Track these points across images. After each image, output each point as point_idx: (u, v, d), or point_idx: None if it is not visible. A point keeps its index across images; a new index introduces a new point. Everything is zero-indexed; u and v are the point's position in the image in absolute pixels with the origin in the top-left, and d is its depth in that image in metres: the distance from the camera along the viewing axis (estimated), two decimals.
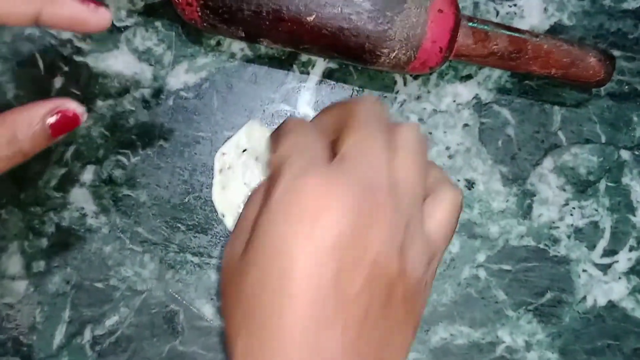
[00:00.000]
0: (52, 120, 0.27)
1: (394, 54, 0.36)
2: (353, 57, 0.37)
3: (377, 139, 0.26)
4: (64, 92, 0.40)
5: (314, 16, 0.35)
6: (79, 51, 0.40)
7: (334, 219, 0.23)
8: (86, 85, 0.40)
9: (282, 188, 0.24)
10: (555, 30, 0.43)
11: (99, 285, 0.40)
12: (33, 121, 0.27)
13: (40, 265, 0.40)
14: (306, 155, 0.25)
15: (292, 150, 0.26)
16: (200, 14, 0.35)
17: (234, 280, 0.25)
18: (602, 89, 0.43)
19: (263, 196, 0.26)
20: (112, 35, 0.40)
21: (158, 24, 0.41)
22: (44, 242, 0.40)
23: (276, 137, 0.28)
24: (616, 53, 0.43)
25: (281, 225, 0.23)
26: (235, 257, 0.26)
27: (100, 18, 0.28)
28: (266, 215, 0.24)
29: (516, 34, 0.38)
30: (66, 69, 0.40)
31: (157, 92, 0.40)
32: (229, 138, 0.40)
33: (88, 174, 0.40)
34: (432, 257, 0.27)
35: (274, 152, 0.27)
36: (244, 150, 0.40)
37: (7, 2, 0.26)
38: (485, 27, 0.38)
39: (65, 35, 0.40)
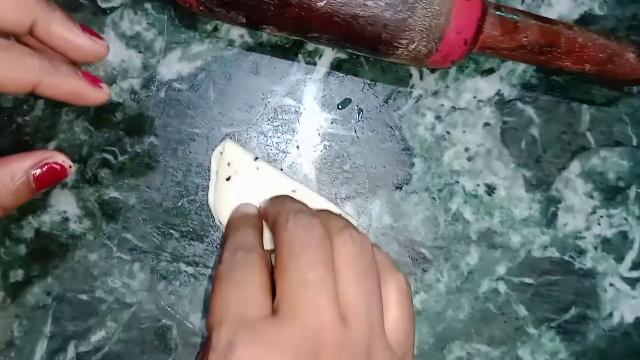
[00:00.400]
0: (37, 172, 0.27)
1: (413, 46, 0.33)
2: (367, 48, 0.34)
3: (314, 275, 0.26)
4: None
5: (324, 1, 0.31)
6: None
7: None
8: None
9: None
10: (584, 20, 0.39)
11: (84, 297, 0.37)
12: (16, 175, 0.26)
13: (18, 274, 0.37)
14: (238, 316, 0.25)
15: (224, 312, 0.26)
16: None
17: None
18: (634, 87, 0.39)
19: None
20: (96, 17, 0.37)
21: (148, 6, 0.37)
22: (22, 249, 0.37)
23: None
24: None
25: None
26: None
27: (99, 94, 0.29)
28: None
29: (548, 25, 0.35)
30: None
31: (147, 83, 0.37)
32: (227, 135, 0.37)
33: (71, 174, 0.36)
34: (404, 357, 0.27)
35: (210, 314, 0.27)
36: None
37: (9, 72, 0.26)
38: (515, 16, 0.34)
39: None
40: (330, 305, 0.25)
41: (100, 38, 0.29)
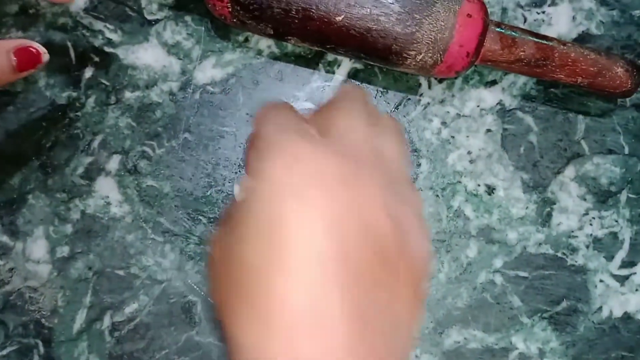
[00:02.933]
0: (17, 55, 0.31)
1: (420, 57, 0.36)
2: (379, 58, 0.37)
3: (362, 116, 0.27)
4: (93, 82, 0.41)
5: (342, 16, 0.35)
6: (109, 42, 0.41)
7: (324, 188, 0.23)
8: (115, 76, 0.41)
9: (271, 161, 0.23)
10: (582, 39, 0.43)
11: (120, 272, 0.40)
12: (5, 53, 0.30)
13: (64, 250, 0.40)
14: (292, 129, 0.25)
15: (277, 129, 0.25)
16: (230, 9, 0.36)
17: (227, 256, 0.24)
18: (627, 99, 0.42)
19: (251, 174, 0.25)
20: (142, 28, 0.41)
21: (188, 18, 0.41)
22: (69, 228, 0.40)
23: (261, 118, 0.27)
24: None
25: (274, 199, 0.23)
26: (226, 235, 0.25)
27: None
28: (256, 190, 0.24)
29: (543, 41, 0.38)
30: (97, 59, 0.41)
31: (184, 86, 0.41)
32: None
33: (114, 164, 0.41)
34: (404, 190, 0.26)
35: (257, 133, 0.26)
36: None
37: None
38: (513, 33, 0.38)
39: (97, 25, 0.41)
40: (371, 141, 0.26)
41: None
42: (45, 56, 0.32)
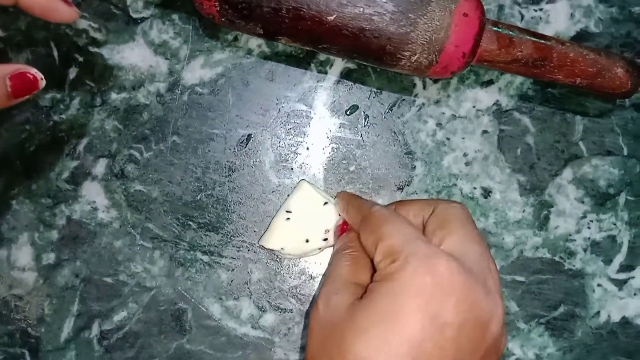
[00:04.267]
0: (12, 82, 0.30)
1: (415, 57, 0.35)
2: (373, 59, 0.36)
3: (480, 241, 0.31)
4: (78, 83, 0.40)
5: (334, 16, 0.34)
6: (94, 42, 0.40)
7: (455, 301, 0.27)
8: (101, 76, 0.40)
9: (411, 268, 0.27)
10: (581, 37, 0.42)
11: (108, 280, 0.40)
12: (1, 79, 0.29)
13: (50, 257, 0.40)
14: (423, 244, 0.29)
15: (407, 240, 0.29)
16: (218, 8, 0.35)
17: (337, 330, 0.28)
18: (626, 100, 0.42)
19: (378, 267, 0.30)
20: (128, 26, 0.40)
21: (175, 17, 0.40)
22: (55, 234, 0.40)
23: (371, 222, 0.32)
24: None
25: (404, 299, 0.27)
26: (337, 308, 0.29)
27: (70, 11, 0.31)
28: (389, 284, 0.28)
29: (542, 41, 0.37)
30: (81, 59, 0.40)
31: (172, 87, 0.40)
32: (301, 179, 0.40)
33: (100, 168, 0.40)
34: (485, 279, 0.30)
35: (381, 239, 0.30)
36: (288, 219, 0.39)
37: None
38: (510, 32, 0.37)
39: (81, 24, 0.39)
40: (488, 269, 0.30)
41: (71, 5, 0.32)
42: (42, 82, 0.31)
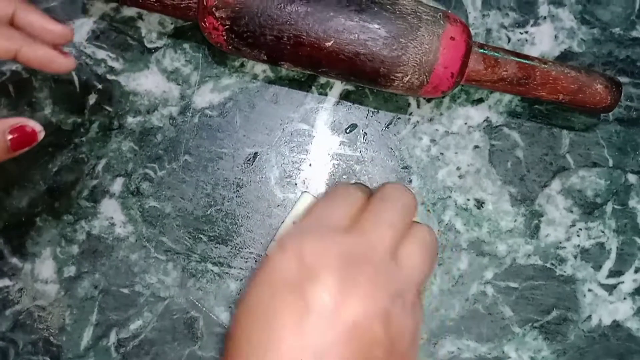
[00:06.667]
0: (12, 136, 0.31)
1: (407, 78, 0.38)
2: (368, 80, 0.39)
3: (394, 217, 0.28)
4: (97, 108, 0.43)
5: (332, 42, 0.37)
6: (112, 70, 0.43)
7: (320, 281, 0.25)
8: (118, 102, 0.43)
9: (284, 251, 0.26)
10: (565, 57, 0.44)
11: (125, 290, 0.42)
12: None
13: (71, 270, 0.42)
14: (324, 222, 0.27)
15: (315, 219, 0.28)
16: (225, 37, 0.38)
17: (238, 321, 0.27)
18: (610, 114, 0.44)
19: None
20: (143, 55, 0.43)
21: (186, 46, 0.43)
22: (75, 248, 0.42)
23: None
24: (625, 80, 0.44)
25: (271, 286, 0.26)
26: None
27: (67, 61, 0.33)
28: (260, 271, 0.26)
29: (525, 61, 0.40)
30: (100, 86, 0.43)
31: (184, 110, 0.43)
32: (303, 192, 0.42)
33: (117, 186, 0.42)
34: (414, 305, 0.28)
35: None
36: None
37: None
38: (496, 53, 0.40)
39: (100, 54, 0.43)
40: (390, 245, 0.27)
41: (68, 55, 0.34)
42: (41, 134, 0.32)
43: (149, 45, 0.43)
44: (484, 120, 0.44)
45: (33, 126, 0.32)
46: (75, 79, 0.43)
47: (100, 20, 0.43)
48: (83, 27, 0.43)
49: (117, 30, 0.43)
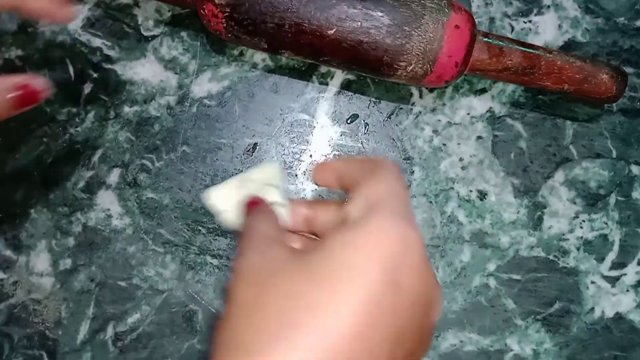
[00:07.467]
0: (17, 93, 0.30)
1: (410, 67, 0.37)
2: (371, 70, 0.38)
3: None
4: (92, 97, 0.42)
5: (334, 30, 0.36)
6: (108, 59, 0.42)
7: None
8: (114, 91, 0.42)
9: (383, 223, 0.24)
10: (569, 46, 0.44)
11: (122, 284, 0.41)
12: (1, 92, 0.30)
13: (66, 263, 0.41)
14: (404, 207, 0.25)
15: (390, 198, 0.26)
16: (225, 25, 0.37)
17: (282, 278, 0.24)
18: (614, 104, 0.44)
19: (349, 213, 0.26)
20: (139, 44, 0.42)
21: (184, 34, 0.42)
22: (71, 241, 0.41)
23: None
24: (629, 70, 0.43)
25: (369, 251, 0.24)
26: (280, 257, 0.26)
27: (67, 12, 0.32)
28: (353, 234, 0.24)
29: (530, 50, 0.39)
30: (95, 75, 0.42)
31: (182, 100, 0.42)
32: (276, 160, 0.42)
33: (114, 177, 0.42)
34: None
35: (369, 186, 0.26)
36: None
37: None
38: (500, 42, 0.39)
39: (95, 43, 0.42)
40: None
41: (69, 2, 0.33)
42: (47, 92, 0.32)
43: (145, 34, 0.42)
44: (487, 111, 0.43)
45: (38, 84, 0.31)
46: (70, 67, 0.42)
47: (95, 7, 0.42)
48: (78, 14, 0.42)
49: (112, 17, 0.42)
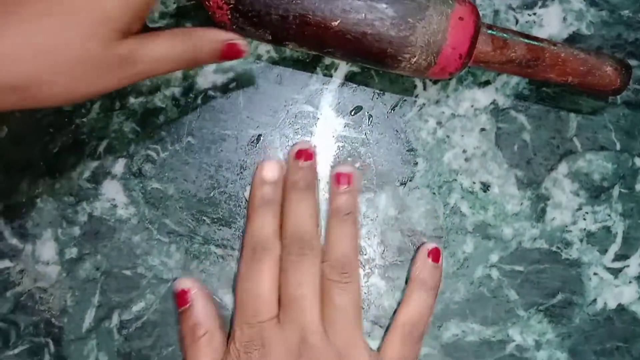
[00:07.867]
0: (226, 45, 0.36)
1: (414, 59, 0.38)
2: (375, 62, 0.38)
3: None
4: None
5: (338, 21, 0.36)
6: None
7: None
8: None
9: None
10: (573, 39, 0.44)
11: (127, 272, 0.42)
12: (215, 41, 0.35)
13: (72, 252, 0.42)
14: (253, 319, 0.38)
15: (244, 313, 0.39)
16: (230, 17, 0.37)
17: None
18: (618, 97, 0.44)
19: None
20: None
21: (189, 25, 0.42)
22: (77, 230, 0.42)
23: None
24: (633, 62, 0.44)
25: None
26: None
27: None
28: None
29: (534, 42, 0.39)
30: None
31: (187, 91, 0.42)
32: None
33: (119, 167, 0.42)
34: None
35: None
36: None
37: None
38: (504, 35, 0.39)
39: None
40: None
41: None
42: (248, 53, 0.38)
43: (151, 25, 0.42)
44: (491, 103, 0.43)
45: (242, 46, 0.37)
46: None
47: None
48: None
49: None
